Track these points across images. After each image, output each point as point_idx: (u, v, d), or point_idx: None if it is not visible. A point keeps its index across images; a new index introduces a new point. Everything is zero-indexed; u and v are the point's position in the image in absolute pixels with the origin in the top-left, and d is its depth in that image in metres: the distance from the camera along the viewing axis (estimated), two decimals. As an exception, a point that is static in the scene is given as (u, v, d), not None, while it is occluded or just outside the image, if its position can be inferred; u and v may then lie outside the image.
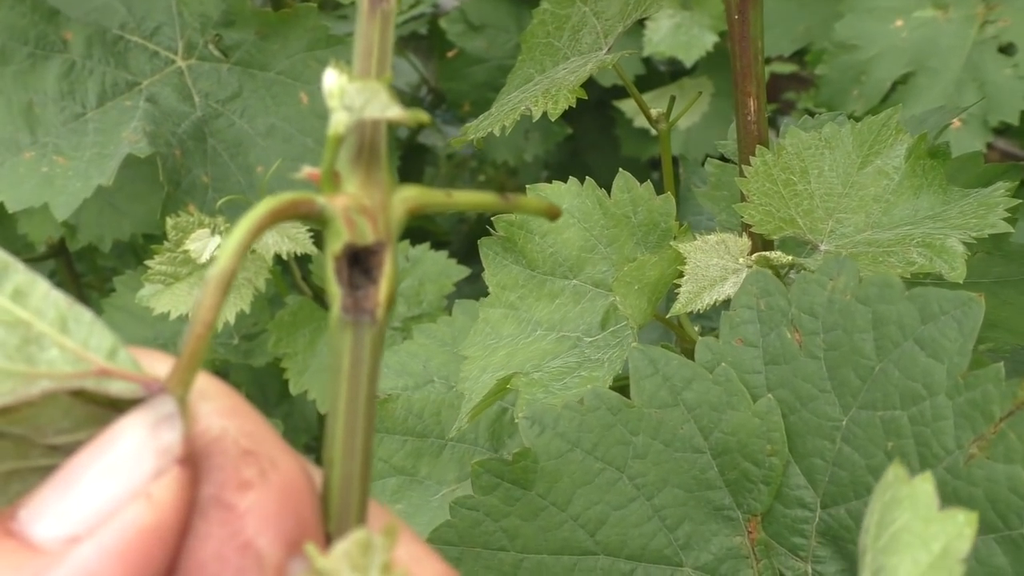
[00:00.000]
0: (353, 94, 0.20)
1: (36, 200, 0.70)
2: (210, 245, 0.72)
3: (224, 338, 0.88)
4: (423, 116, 0.20)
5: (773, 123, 0.58)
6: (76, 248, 0.90)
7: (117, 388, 0.19)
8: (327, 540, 0.20)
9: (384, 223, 0.20)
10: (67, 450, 0.19)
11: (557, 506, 0.36)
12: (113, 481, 0.18)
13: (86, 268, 1.18)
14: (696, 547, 0.37)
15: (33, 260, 1.02)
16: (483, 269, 0.51)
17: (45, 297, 0.19)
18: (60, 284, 1.04)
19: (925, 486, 0.24)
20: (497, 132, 0.48)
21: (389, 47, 0.21)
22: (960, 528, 0.22)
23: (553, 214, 0.23)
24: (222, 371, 0.93)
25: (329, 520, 0.20)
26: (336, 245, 0.20)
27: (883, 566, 0.23)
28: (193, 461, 0.19)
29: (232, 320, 0.70)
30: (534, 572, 0.36)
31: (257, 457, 0.19)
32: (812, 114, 0.55)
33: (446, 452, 0.55)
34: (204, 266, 0.72)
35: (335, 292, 0.20)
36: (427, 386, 0.56)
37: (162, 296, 0.71)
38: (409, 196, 0.21)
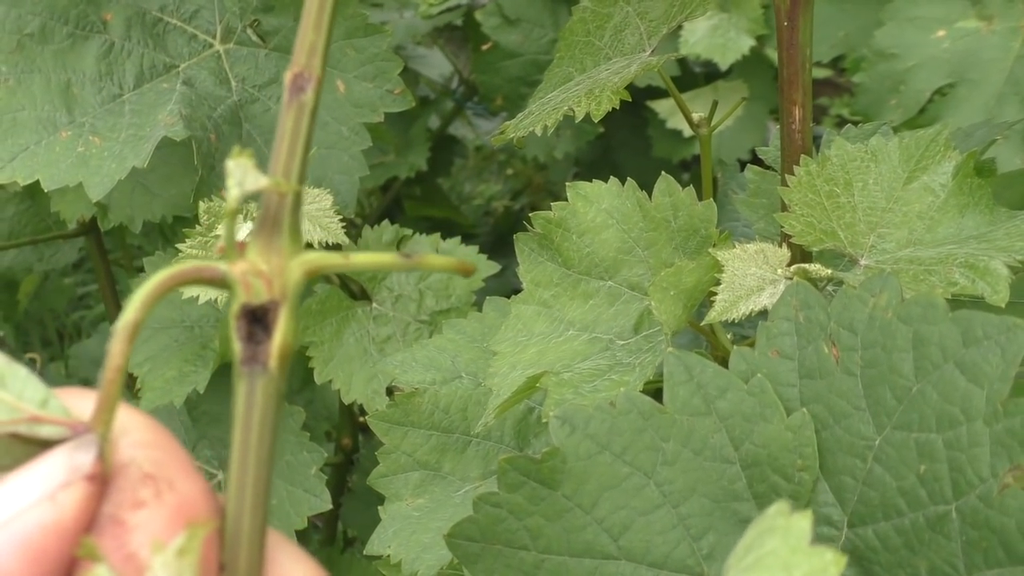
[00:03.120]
0: (234, 170, 0.22)
1: (71, 179, 0.70)
2: (242, 231, 0.72)
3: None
4: (284, 184, 0.23)
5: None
6: (107, 228, 0.90)
7: (47, 431, 0.22)
8: (221, 568, 0.22)
9: (280, 285, 0.22)
10: None
11: (582, 508, 0.36)
12: (28, 490, 0.21)
13: (114, 245, 1.19)
14: (719, 558, 0.36)
15: (64, 238, 1.03)
16: (510, 265, 0.50)
17: None
18: (89, 261, 1.05)
19: (802, 522, 0.23)
20: (539, 132, 0.48)
21: (302, 136, 0.23)
22: (826, 564, 0.22)
23: (465, 271, 0.24)
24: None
25: (224, 549, 0.22)
26: (235, 305, 0.22)
27: None
28: (103, 481, 0.21)
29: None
30: (554, 573, 0.36)
31: (155, 480, 0.21)
32: (845, 121, 0.54)
33: (471, 448, 0.55)
34: (234, 251, 0.72)
35: (236, 347, 0.22)
36: (454, 381, 0.56)
37: (192, 279, 0.71)
38: (306, 260, 0.23)
